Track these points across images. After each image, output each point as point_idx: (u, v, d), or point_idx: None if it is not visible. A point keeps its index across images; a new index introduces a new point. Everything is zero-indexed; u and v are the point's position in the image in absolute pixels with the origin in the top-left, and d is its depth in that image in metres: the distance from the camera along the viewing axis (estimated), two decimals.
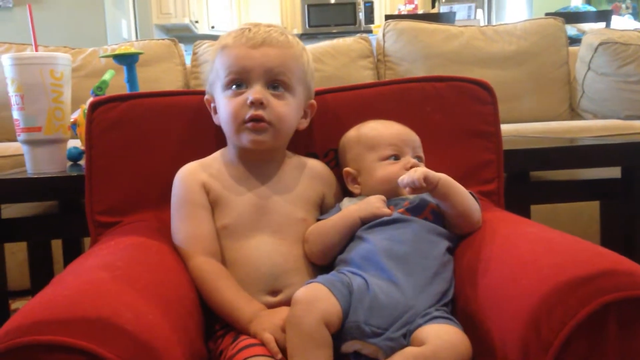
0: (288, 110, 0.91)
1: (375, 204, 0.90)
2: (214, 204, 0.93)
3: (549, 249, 0.74)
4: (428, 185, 0.84)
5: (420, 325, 0.76)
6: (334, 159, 1.05)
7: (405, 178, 0.85)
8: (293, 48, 0.92)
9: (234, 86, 0.90)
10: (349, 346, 0.77)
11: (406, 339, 0.76)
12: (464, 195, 0.88)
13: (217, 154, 0.98)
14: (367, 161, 0.96)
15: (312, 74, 0.98)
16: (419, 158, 0.96)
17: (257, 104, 0.88)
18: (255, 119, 0.89)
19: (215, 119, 0.97)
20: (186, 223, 0.91)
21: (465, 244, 0.89)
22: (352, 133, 1.00)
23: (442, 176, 0.86)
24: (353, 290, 0.79)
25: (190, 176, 0.93)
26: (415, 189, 0.85)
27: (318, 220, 0.95)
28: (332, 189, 1.01)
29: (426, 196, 0.92)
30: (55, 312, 0.61)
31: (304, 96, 0.96)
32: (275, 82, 0.91)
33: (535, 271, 0.70)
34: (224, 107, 0.91)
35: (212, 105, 0.97)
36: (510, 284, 0.72)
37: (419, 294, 0.80)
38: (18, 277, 1.63)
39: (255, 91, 0.89)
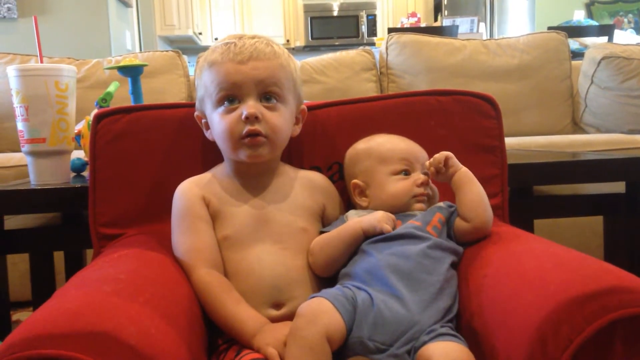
0: (282, 121, 0.92)
1: (379, 217, 0.89)
2: (214, 217, 0.93)
3: (554, 265, 0.74)
4: (447, 168, 0.91)
5: (425, 343, 0.75)
6: (338, 172, 1.04)
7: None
8: (280, 58, 0.93)
9: (226, 102, 0.90)
10: None
11: (411, 355, 0.75)
12: (480, 187, 0.92)
13: (214, 169, 0.98)
14: (378, 174, 0.96)
15: (300, 80, 0.98)
16: (426, 175, 0.96)
17: (252, 118, 0.88)
18: (252, 134, 0.89)
19: (207, 134, 0.97)
20: (187, 235, 0.91)
21: (470, 259, 0.89)
22: (362, 145, 1.00)
23: (463, 169, 0.93)
24: (357, 305, 0.79)
25: (190, 190, 0.93)
26: (435, 171, 0.92)
27: (322, 232, 0.95)
28: (334, 200, 1.01)
29: (435, 209, 0.92)
30: (58, 326, 0.60)
31: (295, 103, 0.96)
32: (267, 94, 0.91)
33: (541, 287, 0.70)
34: (218, 124, 0.91)
35: (203, 121, 0.97)
36: (515, 300, 0.72)
37: (424, 310, 0.79)
38: (20, 288, 1.62)
39: (249, 106, 0.89)
